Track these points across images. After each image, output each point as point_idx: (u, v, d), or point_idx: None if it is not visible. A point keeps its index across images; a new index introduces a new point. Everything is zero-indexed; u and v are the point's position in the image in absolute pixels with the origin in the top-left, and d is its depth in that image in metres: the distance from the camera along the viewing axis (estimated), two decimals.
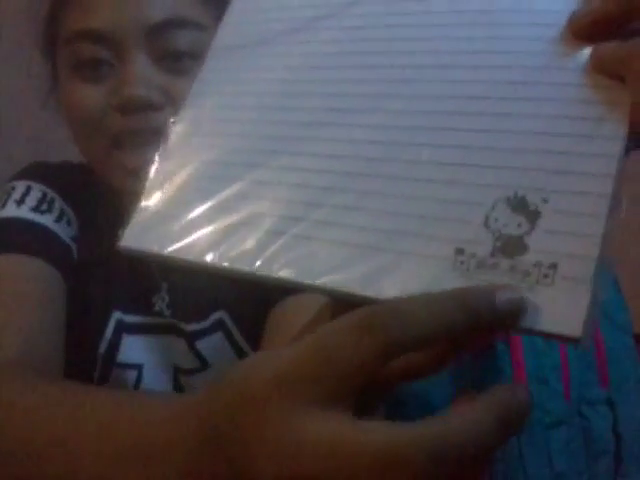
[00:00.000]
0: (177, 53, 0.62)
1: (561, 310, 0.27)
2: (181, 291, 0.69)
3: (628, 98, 0.31)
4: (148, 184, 0.41)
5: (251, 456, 0.28)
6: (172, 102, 0.62)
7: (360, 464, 0.26)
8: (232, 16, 0.46)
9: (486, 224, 0.30)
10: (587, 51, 0.34)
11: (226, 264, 0.35)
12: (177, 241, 0.38)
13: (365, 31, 0.40)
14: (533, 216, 0.29)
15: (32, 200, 0.69)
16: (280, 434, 0.27)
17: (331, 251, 0.33)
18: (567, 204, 0.29)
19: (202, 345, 0.69)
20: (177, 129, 0.42)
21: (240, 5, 0.46)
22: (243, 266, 0.35)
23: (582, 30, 0.35)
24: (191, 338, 0.69)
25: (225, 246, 0.36)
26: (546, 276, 0.28)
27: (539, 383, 0.74)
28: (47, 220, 0.68)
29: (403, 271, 0.31)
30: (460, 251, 0.30)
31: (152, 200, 0.40)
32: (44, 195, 0.70)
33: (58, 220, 0.69)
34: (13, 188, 0.71)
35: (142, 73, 0.61)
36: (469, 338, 0.30)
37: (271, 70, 0.42)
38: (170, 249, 0.38)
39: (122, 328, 0.69)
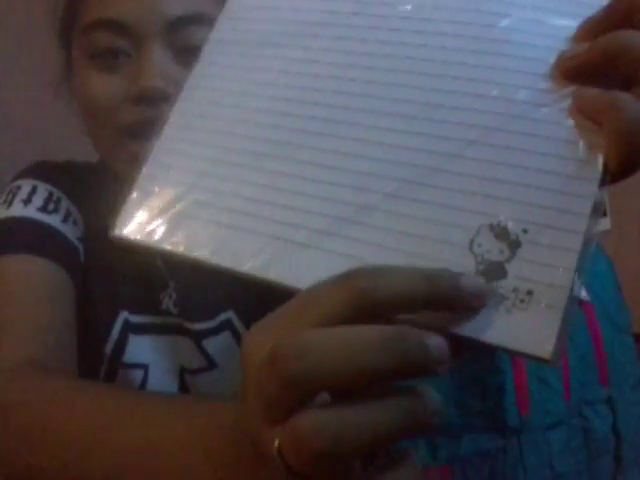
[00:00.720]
0: (194, 48, 0.62)
1: (534, 333, 0.30)
2: (189, 289, 0.69)
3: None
4: (142, 174, 0.42)
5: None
6: None
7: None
8: (231, 10, 0.46)
9: (470, 248, 0.32)
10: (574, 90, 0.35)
11: (183, 251, 0.38)
12: (165, 233, 0.39)
13: (362, 45, 0.40)
14: (514, 245, 0.32)
15: (39, 200, 0.69)
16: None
17: (325, 258, 0.35)
18: (545, 237, 0.31)
19: (209, 345, 0.69)
20: (171, 121, 0.43)
21: (240, 0, 0.46)
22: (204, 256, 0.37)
23: (568, 71, 0.36)
24: (198, 337, 0.69)
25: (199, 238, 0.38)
26: (522, 301, 0.30)
27: (539, 383, 0.74)
28: (54, 220, 0.68)
29: None
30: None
31: (144, 190, 0.41)
32: (50, 195, 0.70)
33: (65, 220, 0.69)
34: (19, 187, 0.70)
35: (160, 65, 0.61)
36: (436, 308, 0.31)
37: (267, 71, 0.42)
38: (159, 241, 0.39)
39: (129, 328, 0.69)
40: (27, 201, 0.68)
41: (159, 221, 0.39)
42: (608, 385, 0.77)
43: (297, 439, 0.29)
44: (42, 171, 0.73)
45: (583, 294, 0.79)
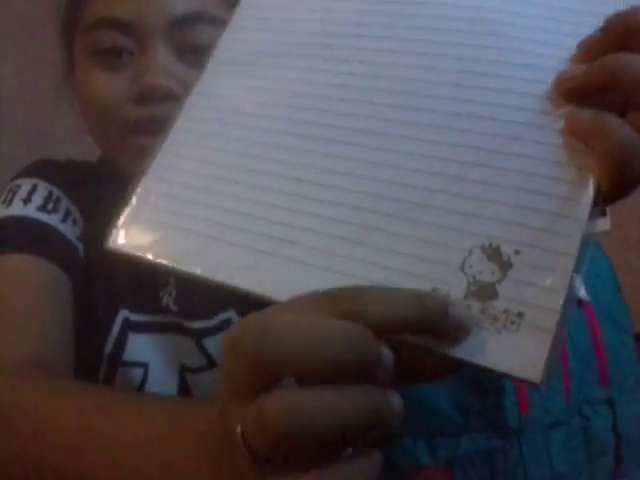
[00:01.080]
0: (197, 47, 0.63)
1: (524, 356, 0.29)
2: (189, 287, 0.69)
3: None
4: (139, 187, 0.42)
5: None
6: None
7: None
8: (234, 30, 0.46)
9: (462, 268, 0.32)
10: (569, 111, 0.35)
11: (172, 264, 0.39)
12: (158, 246, 0.40)
13: (363, 66, 0.40)
14: (505, 266, 0.32)
15: (38, 199, 0.69)
16: None
17: (320, 276, 0.35)
18: (537, 259, 0.31)
19: (209, 344, 0.69)
20: (172, 136, 0.44)
21: (244, 19, 0.47)
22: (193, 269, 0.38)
23: (566, 93, 0.36)
24: (198, 336, 0.69)
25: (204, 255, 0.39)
26: (513, 323, 0.30)
27: None
28: (54, 220, 0.68)
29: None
30: (436, 290, 0.32)
31: (140, 202, 0.42)
32: (50, 194, 0.70)
33: (64, 220, 0.69)
34: (19, 186, 0.70)
35: (163, 63, 0.61)
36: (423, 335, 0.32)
37: (265, 91, 0.42)
38: (151, 253, 0.39)
39: (128, 327, 0.69)
40: (27, 200, 0.68)
41: (152, 234, 0.40)
42: (608, 385, 0.77)
43: (261, 420, 0.29)
44: (42, 170, 0.74)
45: (583, 294, 0.79)
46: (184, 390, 0.69)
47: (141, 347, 0.69)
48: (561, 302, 0.30)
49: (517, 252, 0.32)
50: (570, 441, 0.73)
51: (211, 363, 0.69)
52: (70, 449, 0.43)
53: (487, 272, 0.32)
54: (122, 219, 0.41)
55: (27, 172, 0.73)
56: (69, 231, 0.69)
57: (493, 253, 0.32)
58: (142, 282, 0.70)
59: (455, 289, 0.32)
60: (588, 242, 0.32)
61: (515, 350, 0.30)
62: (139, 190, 0.42)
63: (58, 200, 0.70)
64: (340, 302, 0.31)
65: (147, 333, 0.70)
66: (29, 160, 0.77)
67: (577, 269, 0.31)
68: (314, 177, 0.37)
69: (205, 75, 0.45)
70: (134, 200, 0.42)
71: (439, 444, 0.71)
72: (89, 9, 0.64)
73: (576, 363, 0.76)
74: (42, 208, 0.68)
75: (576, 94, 0.36)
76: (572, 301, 0.31)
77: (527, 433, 0.72)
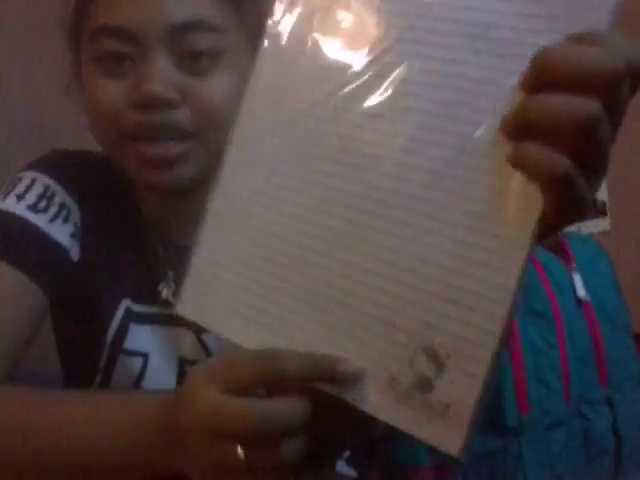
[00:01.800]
0: (196, 54, 0.64)
1: (450, 437, 0.40)
2: None
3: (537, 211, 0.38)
4: (195, 258, 0.49)
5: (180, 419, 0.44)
6: (188, 101, 0.63)
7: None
8: (252, 103, 0.49)
9: (410, 364, 0.41)
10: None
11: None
12: (216, 317, 0.49)
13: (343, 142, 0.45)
14: (440, 366, 0.41)
15: (32, 196, 0.70)
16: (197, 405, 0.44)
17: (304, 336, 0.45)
18: (462, 363, 0.40)
19: (209, 339, 0.70)
20: (210, 218, 0.49)
21: (259, 93, 0.49)
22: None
23: (509, 132, 0.38)
24: (197, 330, 0.70)
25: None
26: (444, 412, 0.40)
27: (538, 383, 0.74)
28: (41, 220, 0.69)
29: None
30: (393, 379, 0.42)
31: (204, 271, 0.49)
32: (46, 190, 0.71)
33: (53, 219, 0.70)
34: (20, 179, 0.72)
35: (161, 71, 0.62)
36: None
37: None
38: (211, 324, 0.49)
39: (130, 317, 0.70)
40: (20, 197, 0.69)
41: (212, 306, 0.49)
42: (608, 385, 0.77)
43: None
44: (47, 163, 0.74)
45: (583, 294, 0.79)
46: (183, 382, 0.69)
47: (142, 337, 0.70)
48: (477, 399, 0.39)
49: (448, 356, 0.40)
50: (570, 441, 0.73)
51: (210, 356, 0.70)
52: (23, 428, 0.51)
53: (427, 369, 0.41)
54: (184, 288, 0.50)
55: (33, 165, 0.74)
56: (57, 231, 0.70)
57: (431, 354, 0.41)
58: (143, 274, 0.70)
59: (405, 380, 0.41)
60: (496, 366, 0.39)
61: (444, 433, 0.40)
62: (195, 260, 0.50)
63: (52, 196, 0.71)
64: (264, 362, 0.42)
65: (148, 324, 0.71)
66: (35, 156, 0.78)
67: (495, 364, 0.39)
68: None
69: (235, 148, 0.49)
70: (193, 269, 0.50)
71: None
72: (92, 16, 0.65)
73: (576, 363, 0.76)
74: (33, 207, 0.69)
75: (520, 133, 0.37)
76: (490, 385, 0.40)
77: (527, 433, 0.72)
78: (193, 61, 0.63)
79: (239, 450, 0.42)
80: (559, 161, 0.36)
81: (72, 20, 0.69)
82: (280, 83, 0.48)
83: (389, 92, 0.45)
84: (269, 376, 0.43)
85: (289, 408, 0.43)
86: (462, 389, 0.40)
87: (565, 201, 0.37)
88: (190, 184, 0.62)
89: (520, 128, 0.38)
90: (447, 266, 0.41)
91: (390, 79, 0.44)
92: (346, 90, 0.46)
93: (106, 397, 0.55)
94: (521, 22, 0.40)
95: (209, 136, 0.61)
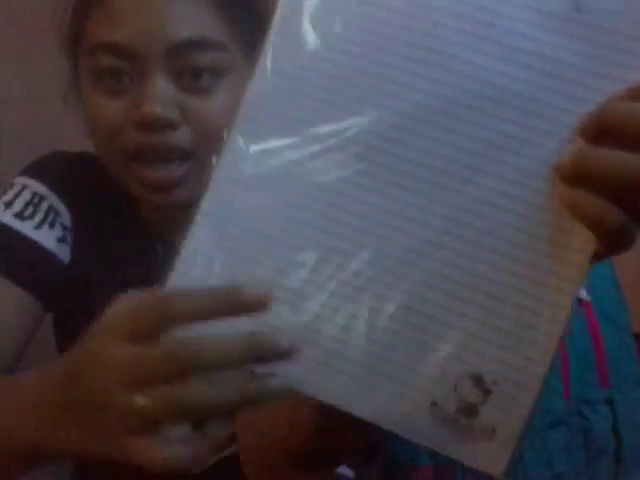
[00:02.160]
0: (196, 72, 0.63)
1: (494, 460, 0.42)
2: None
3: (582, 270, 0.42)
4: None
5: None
6: (189, 120, 0.63)
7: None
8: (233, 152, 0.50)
9: (455, 389, 0.42)
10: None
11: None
12: None
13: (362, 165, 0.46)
14: (486, 392, 0.42)
15: (19, 203, 0.71)
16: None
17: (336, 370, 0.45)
18: (509, 390, 0.42)
19: None
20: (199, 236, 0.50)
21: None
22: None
23: (565, 178, 0.38)
24: None
25: None
26: (489, 436, 0.42)
27: None
28: (27, 227, 0.70)
29: (386, 394, 0.44)
30: (434, 403, 0.42)
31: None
32: (33, 197, 0.71)
33: (39, 226, 0.71)
34: (12, 185, 0.72)
35: (161, 91, 0.62)
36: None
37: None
38: None
39: None
40: (9, 204, 0.70)
41: None
42: (608, 385, 0.77)
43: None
44: (40, 166, 0.75)
45: (583, 294, 0.79)
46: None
47: None
48: (523, 425, 0.41)
49: (495, 382, 0.42)
50: (570, 441, 0.73)
51: None
52: None
53: (473, 395, 0.42)
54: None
55: (25, 170, 0.74)
56: (43, 237, 0.70)
57: (477, 380, 0.42)
58: (141, 274, 0.71)
59: (449, 405, 0.42)
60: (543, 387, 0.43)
61: (489, 456, 0.42)
62: None
63: (39, 202, 0.71)
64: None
65: None
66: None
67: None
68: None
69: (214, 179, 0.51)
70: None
71: None
72: (90, 31, 0.64)
73: (576, 363, 0.75)
74: (19, 215, 0.70)
75: (576, 179, 0.37)
76: (538, 406, 0.42)
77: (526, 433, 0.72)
78: (193, 79, 0.63)
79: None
80: (614, 214, 0.36)
81: (69, 31, 0.68)
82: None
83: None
84: (172, 315, 0.42)
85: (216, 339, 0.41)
86: (509, 414, 0.41)
87: (617, 246, 0.38)
88: (191, 202, 0.63)
89: (577, 175, 0.37)
90: (497, 296, 0.42)
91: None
92: None
93: (19, 378, 0.54)
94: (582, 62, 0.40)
95: (210, 155, 0.61)
